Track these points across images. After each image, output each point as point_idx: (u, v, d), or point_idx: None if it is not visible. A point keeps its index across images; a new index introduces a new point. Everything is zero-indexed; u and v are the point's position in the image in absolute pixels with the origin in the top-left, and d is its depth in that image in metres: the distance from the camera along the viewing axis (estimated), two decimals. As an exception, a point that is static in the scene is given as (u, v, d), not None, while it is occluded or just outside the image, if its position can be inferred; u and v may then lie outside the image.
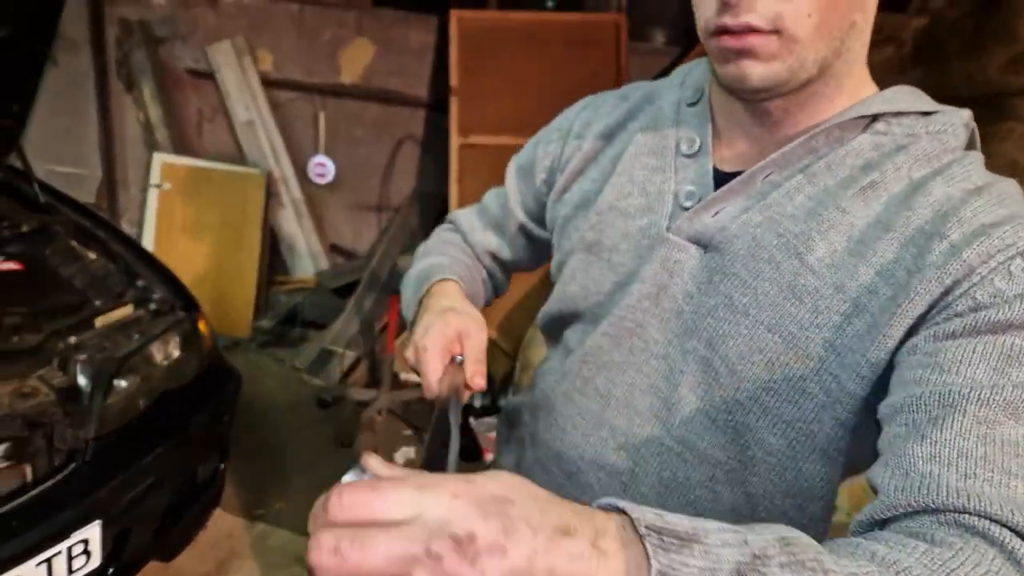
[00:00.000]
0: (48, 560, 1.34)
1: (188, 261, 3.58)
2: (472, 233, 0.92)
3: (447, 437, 0.52)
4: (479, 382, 0.67)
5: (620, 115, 0.77)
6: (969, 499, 0.43)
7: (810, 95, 0.60)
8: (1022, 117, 1.92)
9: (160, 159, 3.72)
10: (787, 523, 0.41)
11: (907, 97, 0.62)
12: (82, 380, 1.63)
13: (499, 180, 0.91)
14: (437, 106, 3.71)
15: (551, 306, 0.80)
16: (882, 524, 0.47)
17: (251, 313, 3.70)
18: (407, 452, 2.87)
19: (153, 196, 3.70)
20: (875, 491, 0.49)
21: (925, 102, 0.62)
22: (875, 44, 2.20)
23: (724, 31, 0.56)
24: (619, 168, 0.72)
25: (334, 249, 4.09)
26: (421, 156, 3.92)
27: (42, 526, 1.36)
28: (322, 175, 3.91)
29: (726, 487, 0.65)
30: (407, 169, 3.96)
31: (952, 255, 0.52)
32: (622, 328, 0.69)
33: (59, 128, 3.80)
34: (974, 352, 0.49)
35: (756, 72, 0.57)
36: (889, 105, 0.60)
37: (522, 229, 0.87)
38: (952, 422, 0.47)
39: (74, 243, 2.14)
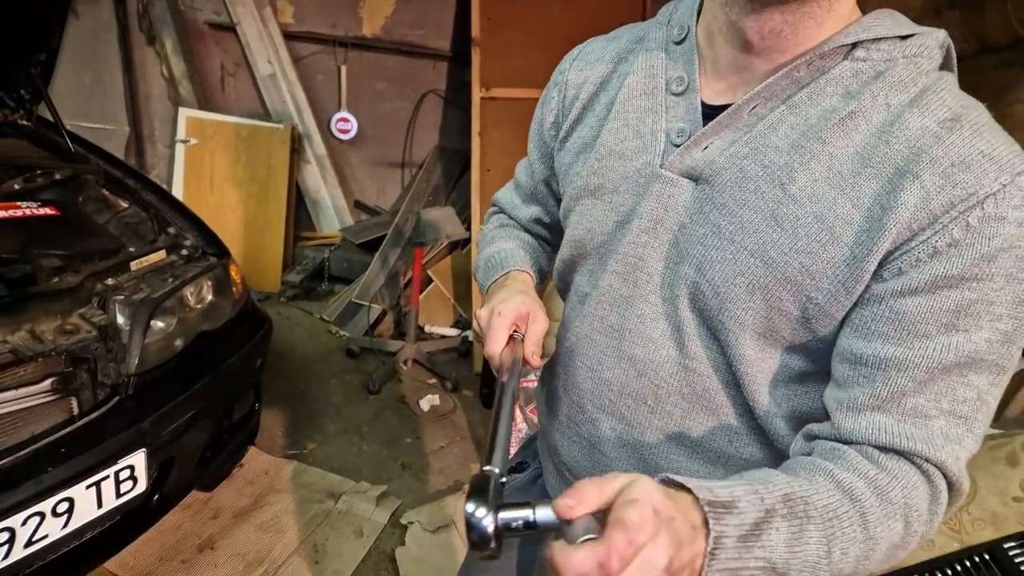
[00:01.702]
0: (97, 483, 1.41)
1: (217, 216, 3.64)
2: (515, 209, 0.99)
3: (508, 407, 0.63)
4: (535, 361, 0.74)
5: (610, 59, 0.78)
6: (902, 440, 0.58)
7: (802, 16, 0.60)
8: (1061, 59, 1.87)
9: (185, 114, 3.74)
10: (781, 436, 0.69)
11: (885, 21, 0.62)
12: (121, 319, 1.68)
13: (522, 134, 0.96)
14: (459, 58, 3.68)
15: (563, 252, 0.83)
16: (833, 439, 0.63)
17: (279, 268, 3.76)
18: (432, 399, 2.92)
19: (180, 151, 3.74)
20: (827, 414, 0.64)
21: (903, 25, 0.62)
22: (909, -16, 2.09)
23: None
24: (613, 113, 0.74)
25: (358, 205, 4.12)
26: (444, 110, 3.90)
27: (90, 452, 1.42)
28: (345, 131, 3.92)
29: (738, 391, 0.70)
30: (430, 124, 3.95)
31: (919, 199, 0.57)
32: (627, 264, 0.73)
33: (84, 83, 3.82)
34: (931, 309, 0.58)
35: None
36: (867, 32, 0.61)
37: (549, 187, 0.91)
38: (899, 381, 0.59)
39: (106, 192, 2.18)
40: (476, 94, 3.32)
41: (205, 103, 3.83)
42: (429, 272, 3.46)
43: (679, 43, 0.71)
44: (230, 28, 3.72)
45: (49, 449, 1.43)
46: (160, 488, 1.60)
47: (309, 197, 4.02)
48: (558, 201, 0.89)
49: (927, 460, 0.58)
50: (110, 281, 1.76)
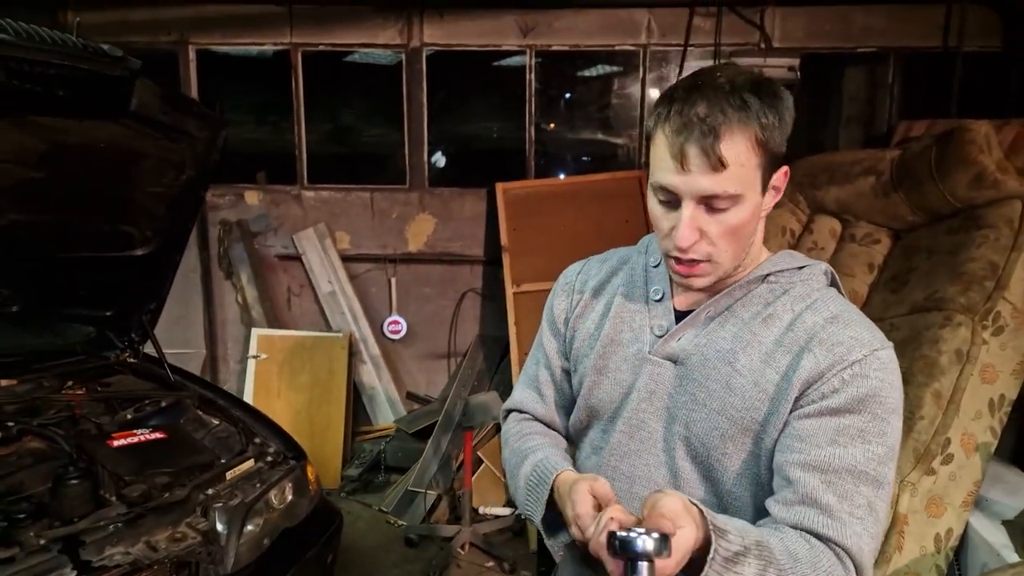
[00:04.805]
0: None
1: (283, 420, 3.98)
2: (535, 404, 1.17)
3: None
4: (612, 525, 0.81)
5: (604, 274, 1.12)
6: (823, 528, 0.83)
7: (727, 276, 0.96)
8: (993, 224, 2.19)
9: (257, 333, 4.27)
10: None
11: (785, 259, 0.98)
12: (220, 525, 1.97)
13: None
14: (492, 261, 4.21)
15: (579, 415, 1.11)
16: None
17: (339, 463, 4.04)
18: (491, 583, 3.02)
19: (251, 366, 4.21)
20: (768, 511, 0.89)
21: (799, 260, 0.98)
22: (858, 176, 2.57)
23: (677, 261, 0.92)
24: (612, 313, 1.06)
25: (410, 396, 4.47)
26: (482, 305, 4.37)
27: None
28: (396, 332, 4.39)
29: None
30: (470, 317, 4.41)
31: (813, 364, 0.88)
32: (632, 425, 1.02)
33: (172, 317, 4.42)
34: (820, 429, 0.86)
35: (698, 283, 0.94)
36: (774, 267, 0.97)
37: (566, 374, 1.17)
38: (810, 483, 0.85)
39: (200, 412, 2.57)
40: (509, 290, 3.78)
41: (274, 321, 4.37)
42: (479, 453, 3.69)
43: (656, 267, 1.05)
44: (296, 258, 4.37)
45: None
46: None
47: (366, 394, 4.40)
48: (571, 381, 1.16)
49: (838, 545, 0.83)
50: (210, 491, 2.07)
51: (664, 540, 0.69)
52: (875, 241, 2.76)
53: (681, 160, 0.85)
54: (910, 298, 2.38)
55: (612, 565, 0.73)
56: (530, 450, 1.08)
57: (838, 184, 2.85)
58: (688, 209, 0.87)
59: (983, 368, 2.11)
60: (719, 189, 0.85)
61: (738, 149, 0.85)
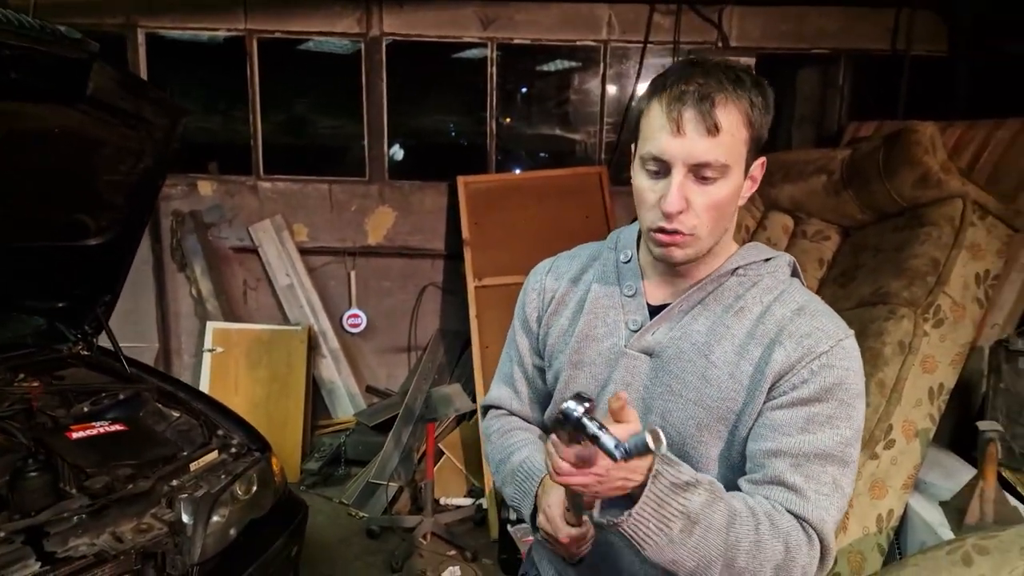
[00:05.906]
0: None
1: (240, 414, 3.93)
2: (512, 401, 1.22)
3: None
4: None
5: (576, 269, 1.15)
6: (790, 504, 0.90)
7: (701, 260, 0.99)
8: (935, 223, 2.33)
9: (212, 326, 4.18)
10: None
11: (752, 252, 1.03)
12: (185, 516, 1.95)
13: (512, 313, 1.23)
14: (453, 255, 4.23)
15: (556, 408, 1.11)
16: None
17: (299, 457, 4.00)
18: (453, 571, 3.06)
19: (207, 359, 4.13)
20: (739, 489, 0.94)
21: (764, 252, 1.03)
22: (811, 174, 2.70)
23: (661, 231, 0.95)
24: (586, 308, 1.09)
25: (370, 390, 4.46)
26: (442, 299, 4.39)
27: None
28: (356, 325, 4.37)
29: None
30: (431, 311, 4.42)
31: (784, 357, 0.92)
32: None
33: (122, 311, 4.29)
34: (791, 419, 0.91)
35: (678, 254, 0.95)
36: (742, 260, 1.01)
37: (539, 371, 1.20)
38: (778, 467, 0.91)
39: (160, 405, 2.52)
40: (471, 284, 3.80)
41: (230, 315, 4.29)
42: (440, 445, 3.71)
43: (627, 262, 1.08)
44: (252, 250, 4.30)
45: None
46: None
47: (325, 387, 4.36)
48: (544, 378, 1.19)
49: (804, 519, 0.89)
50: (174, 482, 2.05)
51: (585, 399, 0.79)
52: (825, 238, 2.89)
53: (677, 123, 0.88)
54: (857, 293, 2.51)
55: (564, 451, 0.83)
56: (515, 446, 1.13)
57: (792, 182, 2.97)
58: (678, 176, 0.90)
59: (924, 359, 2.24)
60: (710, 156, 0.89)
61: (731, 118, 0.89)
